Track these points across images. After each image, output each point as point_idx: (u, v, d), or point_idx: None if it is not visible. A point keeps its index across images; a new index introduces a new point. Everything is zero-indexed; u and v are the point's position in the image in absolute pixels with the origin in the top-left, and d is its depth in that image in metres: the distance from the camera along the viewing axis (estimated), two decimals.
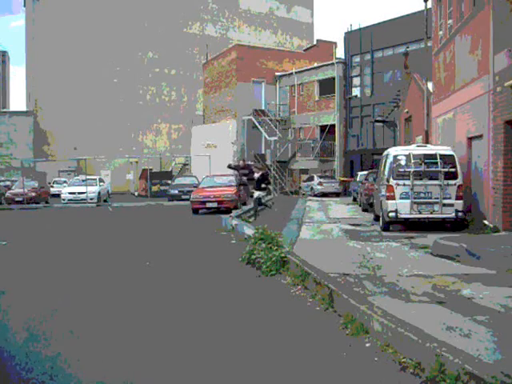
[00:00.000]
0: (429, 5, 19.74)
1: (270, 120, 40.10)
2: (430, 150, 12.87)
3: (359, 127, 36.80)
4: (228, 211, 17.70)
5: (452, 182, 12.11)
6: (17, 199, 29.35)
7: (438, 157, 12.24)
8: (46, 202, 30.49)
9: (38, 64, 49.68)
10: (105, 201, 31.35)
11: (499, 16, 11.33)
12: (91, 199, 29.82)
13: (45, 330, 5.14)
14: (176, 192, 30.59)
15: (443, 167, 12.08)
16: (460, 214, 12.02)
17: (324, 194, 33.13)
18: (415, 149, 12.97)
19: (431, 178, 12.18)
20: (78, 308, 6.04)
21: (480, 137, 12.98)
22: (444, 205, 12.00)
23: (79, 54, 48.60)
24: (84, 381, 3.88)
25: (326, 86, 38.25)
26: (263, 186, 17.00)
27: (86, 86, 48.53)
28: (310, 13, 59.80)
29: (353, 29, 37.65)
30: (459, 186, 12.18)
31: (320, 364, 4.15)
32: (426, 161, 12.28)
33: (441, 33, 17.34)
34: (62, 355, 4.36)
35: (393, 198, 12.23)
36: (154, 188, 38.15)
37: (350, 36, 37.53)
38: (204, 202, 20.40)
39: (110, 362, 4.26)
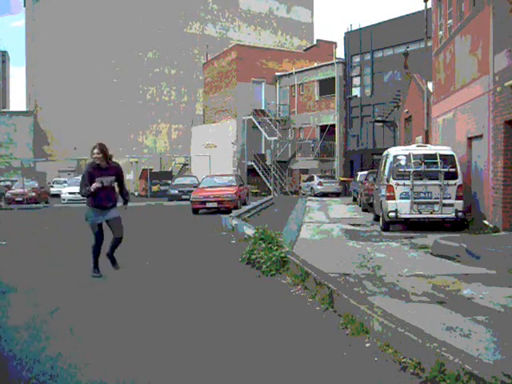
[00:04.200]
0: (429, 5, 19.74)
1: (270, 120, 40.11)
2: (429, 150, 12.87)
3: (359, 127, 36.81)
4: (228, 211, 17.70)
5: (452, 181, 12.11)
6: (17, 199, 29.35)
7: (438, 157, 12.24)
8: (46, 202, 30.48)
9: (38, 64, 49.69)
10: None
11: (499, 16, 11.33)
12: None
13: (45, 329, 5.14)
14: (176, 192, 30.62)
15: (443, 167, 12.08)
16: (460, 213, 12.03)
17: (324, 194, 33.15)
18: (415, 149, 12.98)
19: (431, 178, 12.19)
20: (78, 307, 6.04)
21: (480, 137, 12.98)
22: (444, 205, 12.00)
23: (79, 54, 48.61)
24: (84, 381, 3.88)
25: (326, 86, 38.27)
26: None
27: (85, 86, 48.54)
28: (310, 13, 59.84)
29: (353, 29, 37.69)
30: (459, 186, 12.19)
31: (320, 364, 4.15)
32: (426, 161, 12.29)
33: (441, 33, 17.34)
34: (63, 355, 4.36)
35: (393, 198, 12.23)
36: (154, 188, 38.17)
37: (349, 36, 37.54)
38: (204, 202, 20.42)
39: (110, 361, 4.26)
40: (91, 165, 7.78)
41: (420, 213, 12.14)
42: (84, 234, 14.43)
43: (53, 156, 46.39)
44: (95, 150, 7.69)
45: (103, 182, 7.61)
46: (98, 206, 7.76)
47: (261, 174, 38.35)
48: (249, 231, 10.87)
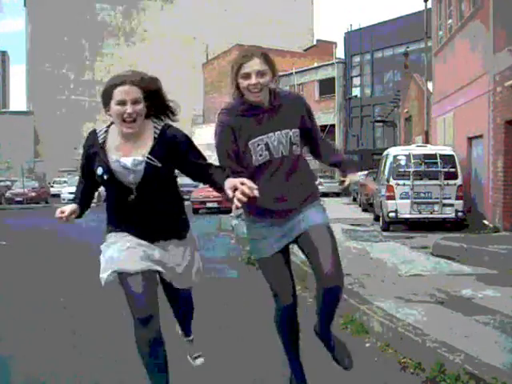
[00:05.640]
0: (429, 5, 19.75)
1: None
2: (429, 150, 12.90)
3: (359, 127, 36.82)
4: (228, 211, 17.67)
5: (452, 182, 12.13)
6: (17, 199, 29.36)
7: (438, 157, 12.26)
8: (46, 202, 30.51)
9: (38, 64, 49.69)
10: (105, 201, 31.34)
11: (499, 16, 11.33)
12: None
13: (45, 329, 5.13)
14: None
15: (443, 167, 12.10)
16: (460, 213, 12.04)
17: (324, 194, 33.12)
18: (415, 149, 13.00)
19: (431, 178, 12.20)
20: (78, 308, 6.03)
21: (480, 137, 12.98)
22: (444, 205, 12.02)
23: (79, 53, 48.62)
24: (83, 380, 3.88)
25: (326, 86, 38.28)
26: None
27: (85, 86, 48.54)
28: (310, 13, 59.83)
29: (353, 29, 37.71)
30: (459, 186, 12.20)
31: (319, 364, 4.14)
32: (426, 161, 12.31)
33: (441, 33, 17.34)
34: (63, 355, 4.36)
35: (393, 198, 12.24)
36: None
37: (349, 36, 37.56)
38: (204, 202, 20.43)
39: (109, 361, 4.26)
40: (231, 107, 3.13)
41: (420, 213, 12.14)
42: (83, 233, 14.33)
43: (52, 156, 46.39)
44: (254, 62, 2.76)
45: (269, 147, 2.87)
46: (266, 213, 2.94)
47: None
48: None
